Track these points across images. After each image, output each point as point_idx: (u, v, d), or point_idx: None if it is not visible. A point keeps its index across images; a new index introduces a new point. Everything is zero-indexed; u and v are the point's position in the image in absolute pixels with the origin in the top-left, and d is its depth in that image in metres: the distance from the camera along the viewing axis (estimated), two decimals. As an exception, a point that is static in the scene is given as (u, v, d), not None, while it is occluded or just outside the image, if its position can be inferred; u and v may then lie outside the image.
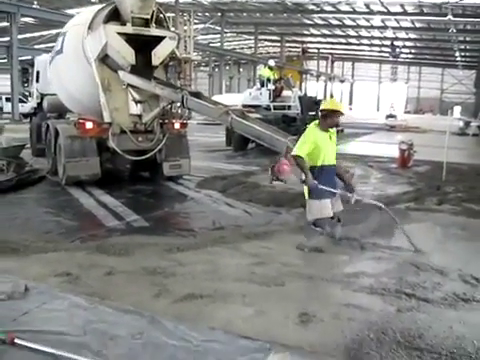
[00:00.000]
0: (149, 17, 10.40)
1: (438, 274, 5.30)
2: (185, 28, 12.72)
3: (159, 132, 10.86)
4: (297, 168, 6.28)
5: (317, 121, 6.49)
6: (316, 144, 6.19)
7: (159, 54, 10.49)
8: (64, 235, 6.97)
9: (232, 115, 8.81)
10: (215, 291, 4.69)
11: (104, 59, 10.30)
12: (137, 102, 10.53)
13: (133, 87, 10.40)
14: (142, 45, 10.30)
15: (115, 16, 10.35)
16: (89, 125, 10.47)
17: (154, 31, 10.48)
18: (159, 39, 10.45)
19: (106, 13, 10.28)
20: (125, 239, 6.68)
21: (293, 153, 6.18)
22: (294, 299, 4.57)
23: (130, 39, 10.15)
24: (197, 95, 10.07)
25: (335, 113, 6.37)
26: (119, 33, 10.06)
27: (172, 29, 11.58)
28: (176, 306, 4.41)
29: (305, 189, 6.29)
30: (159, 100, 10.67)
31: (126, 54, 10.07)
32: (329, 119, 6.36)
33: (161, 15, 10.99)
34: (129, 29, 10.18)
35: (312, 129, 6.36)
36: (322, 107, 6.59)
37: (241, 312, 4.29)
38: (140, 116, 10.66)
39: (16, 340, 3.50)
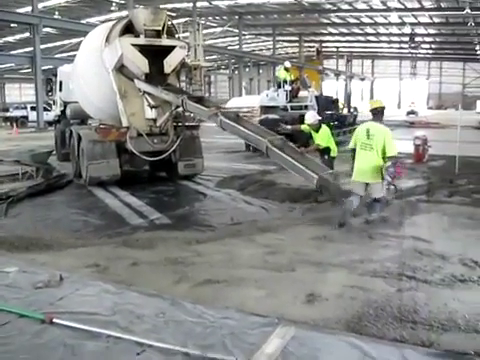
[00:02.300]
0: (160, 29, 11.23)
1: (439, 259, 5.68)
2: (192, 36, 13.43)
3: (173, 134, 11.59)
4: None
5: (376, 121, 7.52)
6: None
7: (171, 62, 11.34)
8: (92, 232, 7.51)
9: (221, 117, 9.49)
10: (230, 277, 5.16)
11: (121, 69, 11.15)
12: (152, 107, 11.27)
13: (148, 93, 11.14)
14: (155, 54, 11.12)
15: (129, 29, 11.26)
16: (109, 130, 11.32)
17: (165, 41, 11.35)
18: (170, 48, 11.33)
19: (121, 27, 11.20)
20: (148, 234, 7.18)
21: (394, 153, 7.21)
22: (302, 282, 5.00)
23: (143, 49, 11.01)
24: (199, 99, 10.78)
25: (384, 109, 7.71)
26: (133, 44, 10.94)
27: (183, 35, 12.39)
28: (195, 290, 4.88)
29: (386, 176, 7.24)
30: (171, 105, 11.38)
31: (140, 64, 10.92)
32: (382, 115, 7.67)
33: (171, 26, 11.84)
34: (142, 40, 11.07)
35: (386, 128, 7.46)
36: (377, 105, 7.62)
37: (253, 294, 4.74)
38: (155, 120, 11.44)
39: (54, 320, 3.99)
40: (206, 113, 9.99)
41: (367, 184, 7.43)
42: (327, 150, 9.68)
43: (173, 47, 11.36)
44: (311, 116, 9.72)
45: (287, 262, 5.63)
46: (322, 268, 5.45)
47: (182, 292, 4.81)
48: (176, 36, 12.12)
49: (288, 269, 5.40)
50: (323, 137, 9.58)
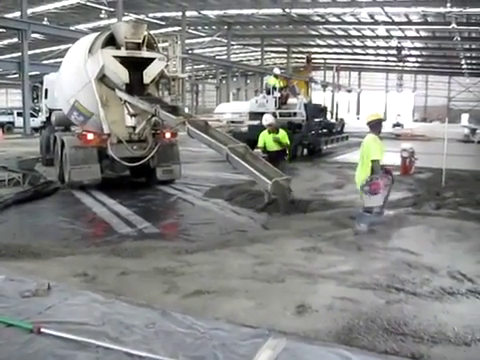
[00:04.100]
0: (140, 41, 11.88)
1: (428, 271, 5.70)
2: (171, 48, 13.76)
3: (151, 141, 12.07)
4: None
5: (371, 133, 7.64)
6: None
7: (150, 73, 11.96)
8: (80, 241, 7.47)
9: (188, 125, 10.17)
10: (220, 287, 5.13)
11: (102, 79, 11.69)
12: (132, 115, 11.79)
13: (128, 102, 11.62)
14: (135, 66, 11.72)
15: (111, 41, 11.81)
16: (90, 136, 11.82)
17: (145, 53, 11.98)
18: (150, 60, 11.90)
19: (103, 39, 11.79)
20: (137, 243, 7.15)
21: (375, 158, 7.37)
22: (292, 293, 4.99)
23: (124, 61, 11.61)
24: (174, 108, 11.43)
25: (381, 121, 7.82)
26: (115, 56, 11.52)
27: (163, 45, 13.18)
28: (185, 301, 4.85)
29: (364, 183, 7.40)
30: (148, 113, 11.68)
31: (121, 74, 11.57)
32: (379, 126, 7.76)
33: (151, 38, 12.35)
34: (123, 52, 11.70)
35: (376, 138, 7.56)
36: (373, 118, 7.71)
37: (243, 305, 4.72)
38: (134, 127, 11.92)
39: (43, 329, 3.95)
40: (174, 121, 10.71)
41: None
42: (283, 153, 10.22)
43: (152, 59, 11.94)
44: (268, 117, 10.10)
45: (277, 273, 5.62)
46: (312, 279, 5.45)
47: (172, 302, 4.78)
48: (159, 46, 12.67)
49: (278, 280, 5.39)
50: (285, 136, 10.15)
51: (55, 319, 4.22)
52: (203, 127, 10.62)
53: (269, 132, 10.06)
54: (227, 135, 10.94)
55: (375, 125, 7.68)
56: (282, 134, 10.09)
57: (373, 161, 7.36)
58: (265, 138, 10.14)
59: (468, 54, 56.39)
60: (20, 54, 30.62)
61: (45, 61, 40.58)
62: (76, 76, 11.90)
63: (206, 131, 10.39)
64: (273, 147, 10.07)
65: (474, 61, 60.86)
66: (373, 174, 7.36)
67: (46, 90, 16.73)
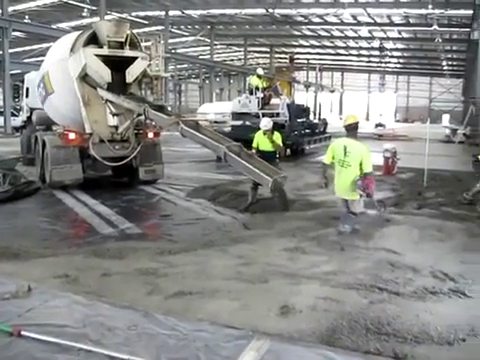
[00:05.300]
0: (123, 40, 11.80)
1: (410, 271, 5.74)
2: (154, 48, 13.71)
3: (134, 141, 11.97)
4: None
5: (351, 137, 7.55)
6: None
7: (132, 72, 11.90)
8: (61, 242, 7.37)
9: (182, 125, 10.15)
10: (203, 288, 5.09)
11: (84, 77, 11.59)
12: (114, 115, 11.69)
13: (110, 102, 11.53)
14: (117, 65, 11.62)
15: (93, 40, 11.72)
16: (72, 136, 11.67)
17: (128, 52, 11.86)
18: (132, 59, 11.81)
19: (85, 37, 11.69)
20: (119, 244, 7.07)
21: (370, 170, 7.31)
22: (276, 294, 4.97)
23: (107, 60, 11.51)
24: (160, 108, 11.33)
25: (358, 124, 7.71)
26: (97, 55, 11.42)
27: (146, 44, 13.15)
28: (167, 302, 4.80)
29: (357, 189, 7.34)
30: (133, 113, 11.64)
31: (103, 73, 11.49)
32: (357, 129, 7.70)
33: (134, 37, 12.26)
34: (105, 51, 11.60)
35: (368, 148, 7.53)
36: (352, 121, 7.62)
37: (227, 306, 4.69)
38: (117, 127, 11.82)
39: (23, 332, 3.87)
40: (167, 121, 10.65)
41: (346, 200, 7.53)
42: (275, 153, 10.25)
43: (135, 58, 11.85)
44: (267, 122, 10.09)
45: (260, 273, 5.60)
46: (295, 279, 5.44)
47: (154, 304, 4.73)
48: (141, 45, 12.57)
49: (261, 280, 5.37)
50: (279, 138, 10.14)
51: (35, 321, 4.15)
52: (195, 127, 10.59)
53: (264, 133, 10.03)
54: (219, 134, 10.89)
55: (354, 128, 7.62)
56: (276, 135, 10.09)
57: (367, 174, 7.29)
58: (259, 138, 10.12)
59: (449, 55, 56.95)
60: (1, 52, 30.17)
61: (26, 59, 40.00)
62: (58, 75, 11.81)
63: (198, 131, 10.35)
64: (267, 147, 10.05)
65: (455, 62, 61.46)
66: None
67: (27, 89, 16.57)
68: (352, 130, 7.60)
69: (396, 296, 4.97)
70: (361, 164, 7.25)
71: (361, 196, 7.43)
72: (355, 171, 7.30)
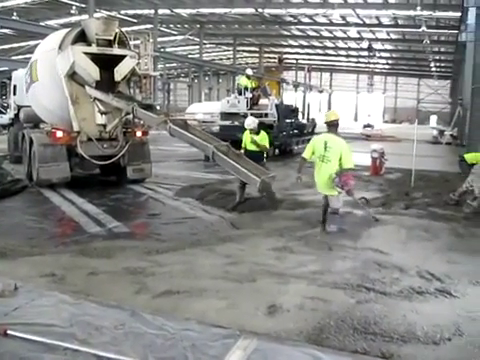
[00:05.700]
0: (112, 38, 11.71)
1: (397, 271, 5.78)
2: (143, 46, 13.74)
3: (122, 139, 11.92)
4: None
5: (332, 133, 7.71)
6: None
7: (121, 71, 11.78)
8: (48, 240, 7.32)
9: (170, 124, 10.16)
10: (191, 288, 5.09)
11: (72, 75, 11.50)
12: (102, 113, 11.61)
13: (99, 100, 11.45)
14: (106, 63, 11.52)
15: (82, 37, 11.66)
16: (60, 134, 11.59)
17: (116, 50, 11.79)
18: (121, 57, 11.73)
19: (74, 35, 11.63)
20: (107, 243, 7.05)
21: (351, 166, 7.51)
22: (264, 293, 4.99)
23: (95, 58, 11.41)
24: (148, 107, 11.28)
25: (338, 121, 7.87)
26: (85, 53, 11.34)
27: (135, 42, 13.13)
28: (155, 301, 4.80)
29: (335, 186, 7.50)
30: (121, 111, 11.59)
31: (91, 71, 11.34)
32: (337, 126, 7.83)
33: (123, 36, 12.20)
34: (94, 49, 11.53)
35: (348, 145, 7.65)
36: (333, 118, 7.82)
37: (214, 305, 4.70)
38: (105, 125, 11.78)
39: (9, 331, 3.85)
40: (156, 120, 10.62)
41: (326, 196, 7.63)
42: (263, 153, 10.27)
43: (124, 56, 11.78)
44: (251, 121, 10.09)
45: (248, 273, 5.61)
46: (283, 279, 5.46)
47: (142, 303, 4.72)
48: (130, 44, 12.52)
49: (249, 280, 5.39)
50: (265, 139, 10.17)
51: (22, 321, 4.13)
52: (183, 126, 10.60)
53: (250, 132, 10.08)
54: (207, 134, 10.93)
55: (335, 125, 7.79)
56: (261, 136, 10.07)
57: (347, 170, 7.44)
58: (247, 138, 10.14)
59: (437, 57, 57.24)
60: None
61: (14, 57, 39.66)
62: (46, 72, 11.69)
63: (187, 130, 10.35)
64: (251, 147, 10.08)
65: (443, 64, 61.72)
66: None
67: (14, 86, 16.44)
68: (333, 126, 7.79)
69: (383, 296, 5.01)
70: (340, 160, 7.37)
71: (339, 193, 7.57)
72: (334, 166, 7.44)
